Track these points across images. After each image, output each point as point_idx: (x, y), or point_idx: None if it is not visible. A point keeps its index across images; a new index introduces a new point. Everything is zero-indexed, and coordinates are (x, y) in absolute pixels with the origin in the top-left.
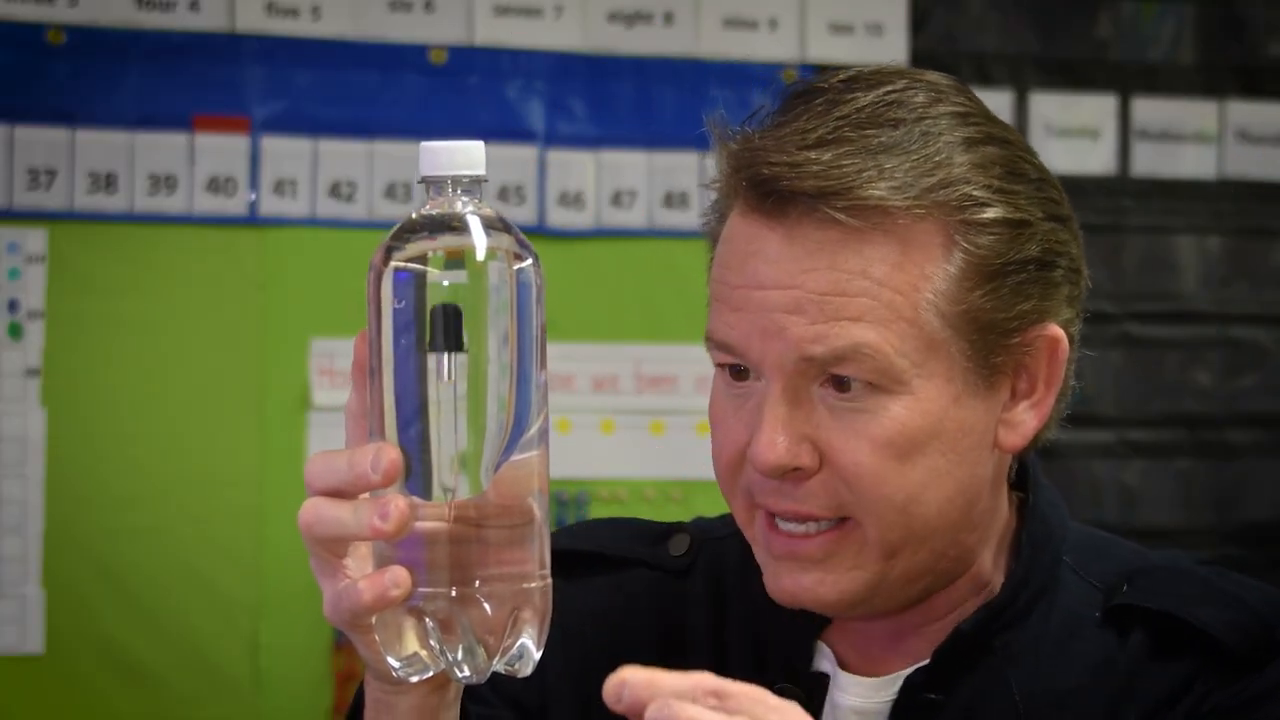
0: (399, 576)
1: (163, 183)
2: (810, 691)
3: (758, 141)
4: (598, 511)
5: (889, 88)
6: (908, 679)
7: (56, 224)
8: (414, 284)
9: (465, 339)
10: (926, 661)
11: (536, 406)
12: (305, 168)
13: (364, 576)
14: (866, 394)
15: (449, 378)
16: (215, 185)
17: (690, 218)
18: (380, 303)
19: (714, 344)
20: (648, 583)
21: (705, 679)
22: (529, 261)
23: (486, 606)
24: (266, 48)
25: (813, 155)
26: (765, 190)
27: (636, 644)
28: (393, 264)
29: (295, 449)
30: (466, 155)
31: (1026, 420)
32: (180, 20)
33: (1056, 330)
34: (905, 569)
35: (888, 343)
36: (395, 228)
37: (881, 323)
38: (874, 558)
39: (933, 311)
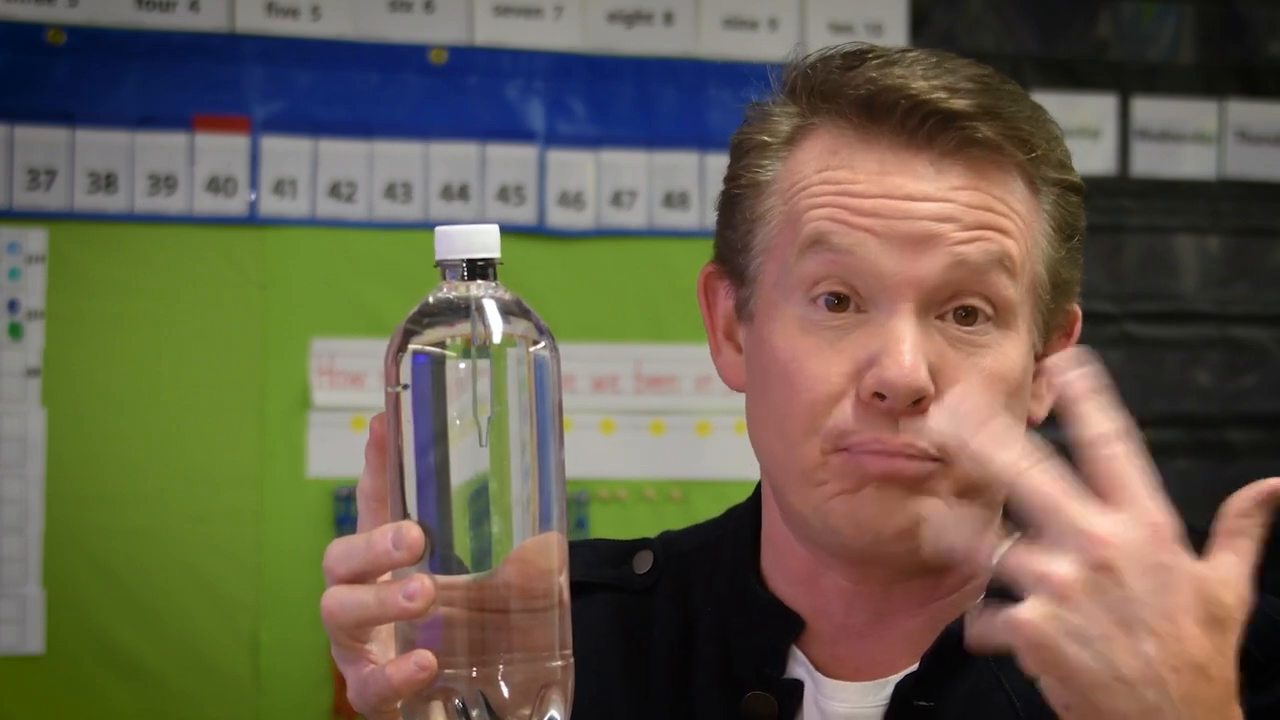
0: (425, 659)
1: (163, 183)
2: (783, 700)
3: (889, 69)
4: (598, 511)
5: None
6: (898, 685)
7: (56, 224)
8: (432, 368)
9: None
10: (915, 668)
11: (556, 487)
12: (305, 168)
13: (390, 661)
14: (987, 329)
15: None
16: (215, 185)
17: (690, 217)
18: (398, 388)
19: (825, 247)
20: (612, 605)
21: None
22: (544, 343)
23: (511, 686)
24: (266, 48)
25: (955, 82)
26: (922, 113)
27: (604, 671)
28: (411, 348)
29: (295, 449)
30: (481, 238)
31: (1045, 396)
32: (180, 20)
33: (1077, 308)
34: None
35: (1020, 268)
36: (412, 311)
37: (1017, 245)
38: (951, 498)
39: (1039, 254)
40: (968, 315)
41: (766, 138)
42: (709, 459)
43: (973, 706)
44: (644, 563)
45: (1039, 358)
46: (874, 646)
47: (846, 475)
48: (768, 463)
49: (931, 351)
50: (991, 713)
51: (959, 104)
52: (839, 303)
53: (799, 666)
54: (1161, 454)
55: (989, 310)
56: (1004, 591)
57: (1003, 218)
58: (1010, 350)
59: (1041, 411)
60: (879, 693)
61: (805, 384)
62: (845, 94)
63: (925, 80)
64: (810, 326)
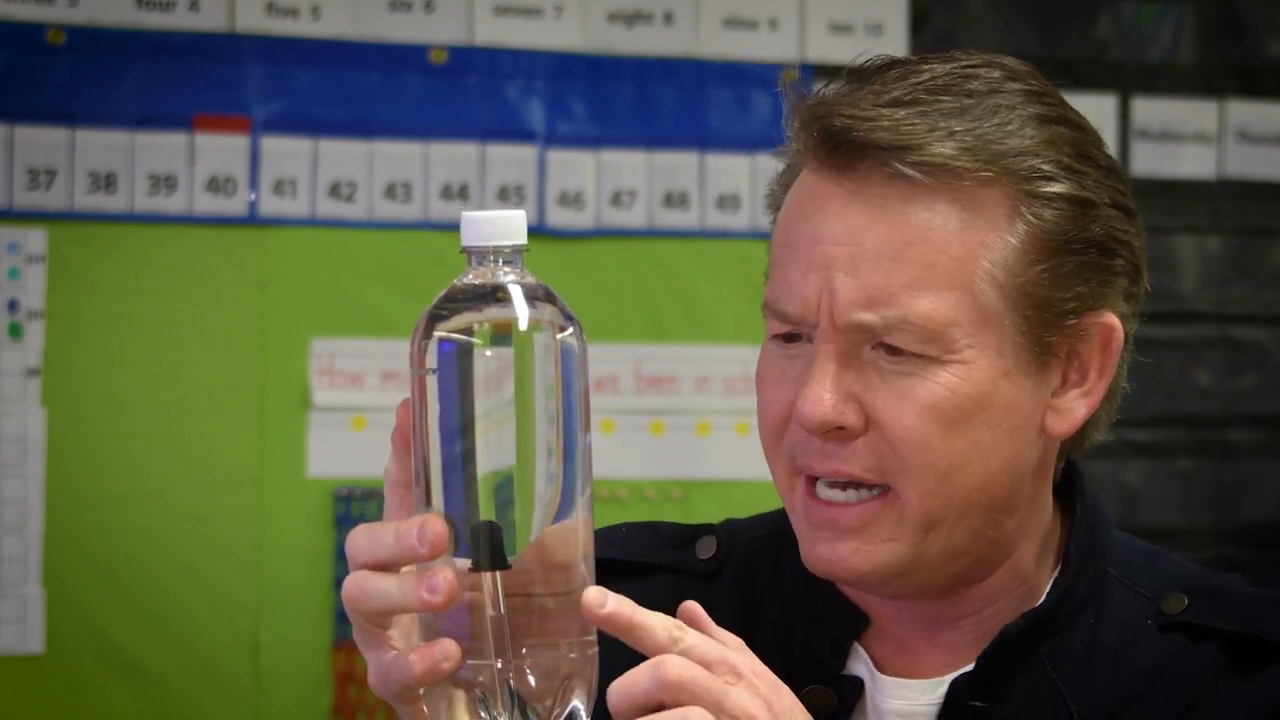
0: (449, 649)
1: (163, 183)
2: (843, 696)
3: (832, 98)
4: (597, 511)
5: (965, 63)
6: (953, 683)
7: (56, 224)
8: (458, 355)
9: (507, 558)
10: (971, 667)
11: (582, 474)
12: (305, 168)
13: (413, 649)
14: (917, 360)
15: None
16: (215, 185)
17: (690, 217)
18: (424, 372)
19: (771, 312)
20: (675, 588)
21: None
22: (571, 330)
23: (535, 676)
24: (266, 48)
25: (885, 112)
26: (835, 142)
27: None
28: (437, 334)
29: (295, 449)
30: (508, 225)
31: (1076, 408)
32: (180, 20)
33: (1112, 319)
34: (943, 545)
35: (939, 312)
36: (438, 297)
37: (936, 290)
38: (911, 530)
39: (989, 281)
40: (893, 350)
41: (778, 190)
42: (709, 459)
43: (1028, 709)
44: (707, 548)
45: (1066, 380)
46: (926, 651)
47: (802, 518)
48: None
49: (858, 385)
50: (1047, 717)
51: (874, 136)
52: (796, 337)
53: (859, 663)
54: (1161, 454)
55: (912, 349)
56: (1047, 613)
57: (913, 262)
58: (947, 379)
59: (1063, 426)
60: (933, 691)
61: (765, 406)
62: (804, 117)
63: (856, 108)
64: (771, 355)
